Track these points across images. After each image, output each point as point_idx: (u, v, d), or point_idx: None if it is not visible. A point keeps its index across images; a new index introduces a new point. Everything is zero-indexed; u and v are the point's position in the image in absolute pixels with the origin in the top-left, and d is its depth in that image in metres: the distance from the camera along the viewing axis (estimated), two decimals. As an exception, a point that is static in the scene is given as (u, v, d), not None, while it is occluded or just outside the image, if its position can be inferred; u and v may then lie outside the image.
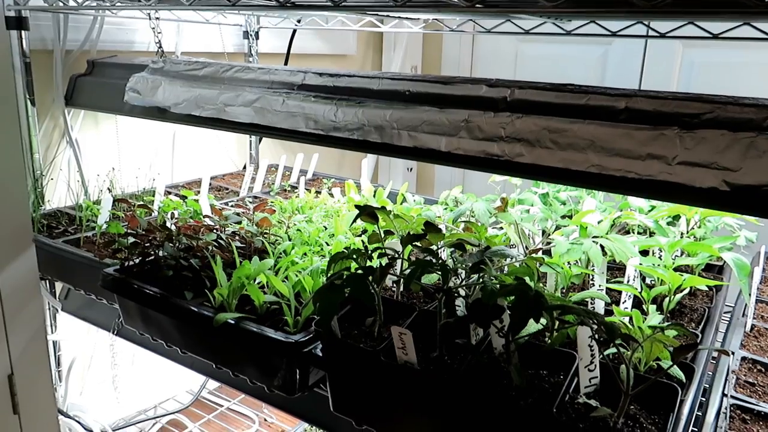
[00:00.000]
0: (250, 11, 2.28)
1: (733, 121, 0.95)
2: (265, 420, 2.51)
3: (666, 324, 0.94)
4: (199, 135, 2.47)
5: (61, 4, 1.73)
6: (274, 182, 2.33)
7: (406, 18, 2.26)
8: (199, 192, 2.00)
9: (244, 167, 2.63)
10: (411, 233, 1.07)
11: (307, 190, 2.14)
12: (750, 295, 1.29)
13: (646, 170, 0.98)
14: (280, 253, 1.45)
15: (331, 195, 2.03)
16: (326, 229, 1.67)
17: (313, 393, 1.24)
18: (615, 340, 0.80)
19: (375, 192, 2.01)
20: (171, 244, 1.33)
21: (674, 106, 1.01)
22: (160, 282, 1.32)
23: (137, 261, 1.37)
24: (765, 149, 0.90)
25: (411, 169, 3.57)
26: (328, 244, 1.54)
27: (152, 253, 1.38)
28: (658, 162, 0.97)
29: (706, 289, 1.39)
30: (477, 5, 1.03)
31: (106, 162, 2.11)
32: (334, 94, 1.38)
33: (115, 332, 1.69)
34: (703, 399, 1.08)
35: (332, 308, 0.97)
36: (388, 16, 2.03)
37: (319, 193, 2.06)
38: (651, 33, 1.80)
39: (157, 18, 1.86)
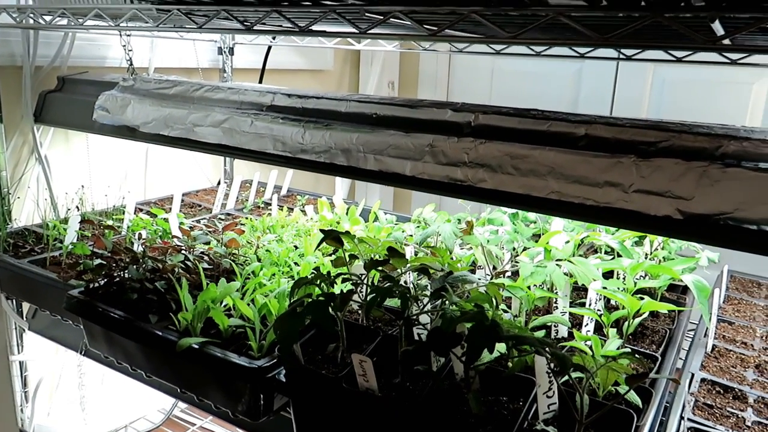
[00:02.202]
0: (217, 34, 2.28)
1: (687, 150, 0.97)
2: (239, 438, 2.49)
3: (620, 352, 0.96)
4: (173, 150, 2.46)
5: (31, 21, 1.71)
6: (248, 198, 2.32)
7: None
8: (170, 209, 1.98)
9: (219, 183, 2.62)
10: (374, 258, 1.07)
11: (279, 207, 2.13)
12: (710, 316, 1.31)
13: (603, 198, 1.00)
14: (248, 275, 1.44)
15: (304, 213, 2.03)
16: (297, 248, 1.67)
17: (280, 416, 1.24)
18: (566, 371, 0.81)
19: (348, 210, 2.01)
20: (136, 267, 1.32)
21: (632, 133, 1.03)
22: (125, 305, 1.31)
23: (102, 283, 1.36)
24: (717, 178, 0.92)
25: (388, 184, 3.58)
26: (297, 265, 1.54)
27: (118, 275, 1.37)
28: (615, 189, 0.99)
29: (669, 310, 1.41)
30: (439, 34, 1.04)
31: (76, 179, 2.09)
32: (303, 115, 1.39)
33: (83, 352, 1.67)
34: (665, 419, 1.10)
35: (293, 335, 0.96)
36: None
37: (291, 210, 2.06)
38: (616, 55, 1.83)
39: (128, 35, 1.85)
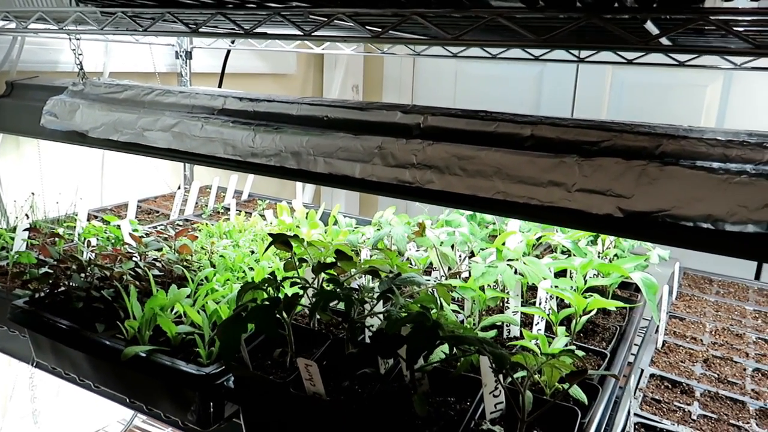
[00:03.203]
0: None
1: (628, 149, 0.99)
2: (202, 447, 2.44)
3: (561, 349, 0.97)
4: (130, 156, 2.41)
5: (-26, 25, 1.67)
6: (207, 204, 2.29)
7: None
8: (126, 216, 1.95)
9: (179, 188, 2.58)
10: (322, 261, 1.06)
11: (239, 212, 2.11)
12: (659, 312, 1.33)
13: (547, 197, 1.00)
14: (201, 281, 1.42)
15: (263, 217, 2.01)
16: (253, 253, 1.65)
17: (232, 423, 1.22)
18: (504, 369, 0.81)
19: (307, 214, 2.00)
20: (82, 275, 1.29)
21: (575, 134, 1.05)
22: (72, 314, 1.28)
23: (47, 292, 1.32)
24: (655, 177, 0.94)
25: (353, 188, 3.57)
26: (252, 270, 1.52)
27: (64, 284, 1.33)
28: (558, 189, 1.00)
29: (619, 307, 1.43)
30: (383, 36, 1.04)
31: (28, 186, 2.04)
32: (254, 119, 1.37)
33: (34, 364, 1.62)
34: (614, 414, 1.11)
35: (236, 342, 0.95)
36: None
37: (250, 215, 2.04)
38: (570, 57, 1.86)
39: (77, 38, 1.81)
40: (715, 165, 0.93)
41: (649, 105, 2.98)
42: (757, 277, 2.74)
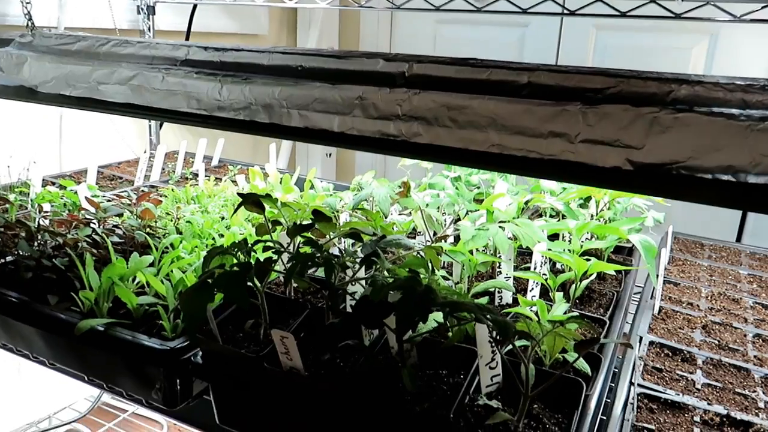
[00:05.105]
0: None
1: (637, 96, 0.89)
2: (175, 423, 2.35)
3: (568, 316, 0.88)
4: (92, 117, 2.25)
5: None
6: (174, 170, 2.15)
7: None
8: (85, 182, 1.81)
9: (145, 153, 2.43)
10: (299, 223, 0.96)
11: (208, 177, 1.98)
12: (657, 277, 1.26)
13: (548, 149, 0.91)
14: (166, 248, 1.30)
15: (235, 183, 1.89)
16: (223, 219, 1.54)
17: (203, 401, 1.12)
18: (508, 339, 0.72)
19: (282, 179, 1.88)
20: (30, 243, 1.16)
21: (577, 80, 0.94)
22: (21, 286, 1.16)
23: (-7, 262, 1.19)
24: (668, 125, 0.84)
25: (330, 155, 3.45)
26: (222, 237, 1.41)
27: (12, 253, 1.21)
28: (560, 140, 0.90)
29: (616, 271, 1.36)
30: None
31: (-24, 150, 1.88)
32: (220, 69, 1.24)
33: (-12, 341, 1.50)
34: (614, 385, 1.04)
35: (201, 312, 0.84)
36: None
37: (219, 180, 1.91)
38: (557, 10, 1.76)
39: (25, -14, 1.64)
40: (735, 111, 0.84)
41: (634, 68, 2.91)
42: (738, 239, 2.71)
